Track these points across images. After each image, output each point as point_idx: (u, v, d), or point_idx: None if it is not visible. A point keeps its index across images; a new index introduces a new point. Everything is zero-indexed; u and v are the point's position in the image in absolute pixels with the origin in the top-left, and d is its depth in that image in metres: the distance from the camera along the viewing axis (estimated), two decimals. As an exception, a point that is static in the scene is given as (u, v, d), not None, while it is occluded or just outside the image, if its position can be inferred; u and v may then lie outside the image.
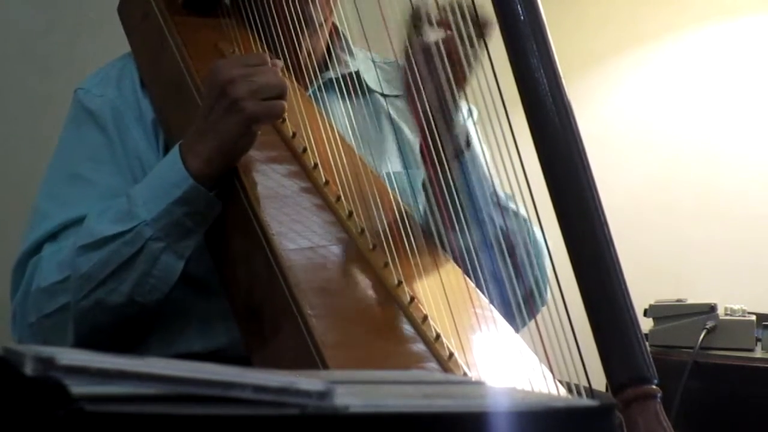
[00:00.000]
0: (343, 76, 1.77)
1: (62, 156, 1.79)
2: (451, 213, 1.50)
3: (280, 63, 1.63)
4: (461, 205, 1.50)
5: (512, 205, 1.64)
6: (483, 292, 1.51)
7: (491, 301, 1.50)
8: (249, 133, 1.59)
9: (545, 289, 1.57)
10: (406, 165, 1.80)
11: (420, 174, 1.82)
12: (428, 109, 1.54)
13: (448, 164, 1.54)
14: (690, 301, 2.50)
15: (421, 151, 1.63)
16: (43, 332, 1.68)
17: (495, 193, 1.63)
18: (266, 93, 1.58)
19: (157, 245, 1.62)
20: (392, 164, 1.79)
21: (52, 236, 1.70)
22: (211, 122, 1.59)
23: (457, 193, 1.51)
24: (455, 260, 1.55)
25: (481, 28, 1.47)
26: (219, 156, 1.60)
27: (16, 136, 2.67)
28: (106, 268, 1.63)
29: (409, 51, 1.58)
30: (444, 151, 1.55)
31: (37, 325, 1.68)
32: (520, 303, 1.48)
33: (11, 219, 2.43)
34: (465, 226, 1.49)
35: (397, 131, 1.84)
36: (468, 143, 1.64)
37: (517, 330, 1.51)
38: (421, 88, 1.54)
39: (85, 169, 1.74)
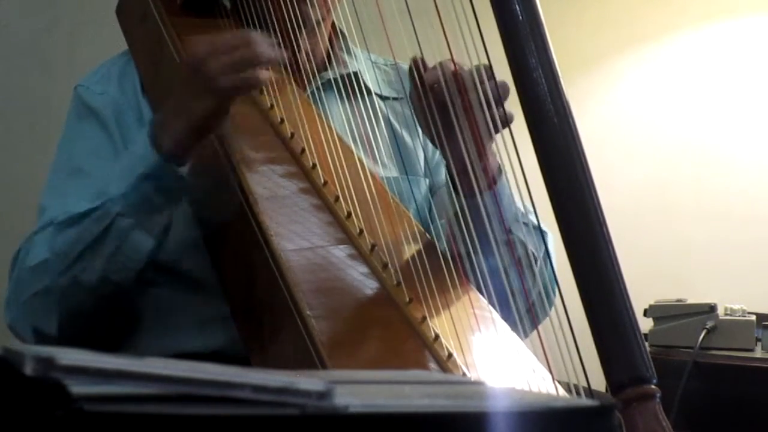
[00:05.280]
0: (342, 77, 1.77)
1: (64, 152, 1.80)
2: (483, 238, 1.50)
3: (268, 38, 1.60)
4: (492, 229, 1.49)
5: (532, 219, 1.63)
6: (495, 306, 1.50)
7: (501, 310, 1.50)
8: (221, 109, 1.59)
9: (554, 291, 1.57)
10: (406, 170, 1.79)
11: (417, 180, 1.82)
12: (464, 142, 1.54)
13: (481, 195, 1.54)
14: (690, 301, 2.50)
15: (453, 181, 1.63)
16: (33, 311, 1.69)
17: (520, 212, 1.63)
18: (239, 67, 1.56)
19: (126, 221, 1.62)
20: (389, 168, 1.79)
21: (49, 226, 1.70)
22: (183, 101, 1.59)
23: (488, 215, 1.50)
24: (477, 283, 1.53)
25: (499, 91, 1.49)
26: (190, 134, 1.60)
27: (16, 135, 2.67)
28: (78, 245, 1.63)
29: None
30: (479, 181, 1.55)
31: (28, 305, 1.69)
32: (533, 309, 1.48)
33: (11, 218, 2.44)
34: (493, 249, 1.48)
35: (395, 135, 1.84)
36: (500, 170, 1.64)
37: (523, 336, 1.50)
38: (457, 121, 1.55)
39: (87, 164, 1.75)
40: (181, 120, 1.59)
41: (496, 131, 1.51)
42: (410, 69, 1.61)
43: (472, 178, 1.54)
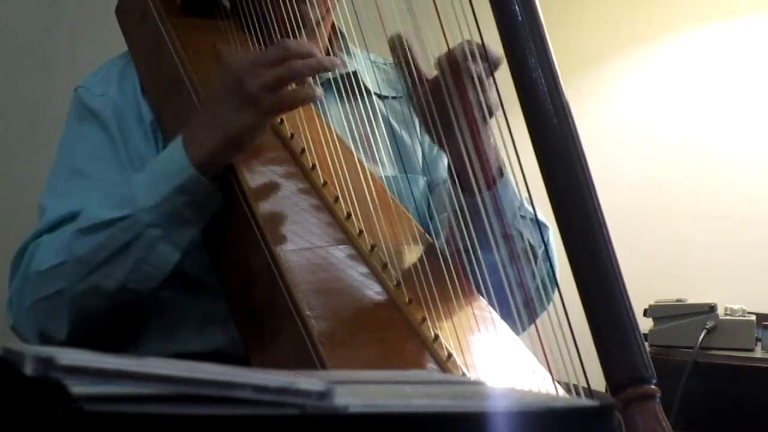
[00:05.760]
0: (341, 76, 1.77)
1: (64, 154, 1.79)
2: (486, 233, 1.48)
3: (311, 46, 1.59)
4: (491, 225, 1.48)
5: (531, 212, 1.62)
6: (493, 299, 1.50)
7: (500, 304, 1.49)
8: (261, 125, 1.58)
9: (552, 285, 1.57)
10: (405, 168, 1.79)
11: (415, 178, 1.82)
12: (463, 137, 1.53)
13: (481, 192, 1.52)
14: (690, 301, 2.50)
15: (454, 177, 1.62)
16: (40, 315, 1.68)
17: (522, 207, 1.63)
18: (284, 83, 1.56)
19: (154, 232, 1.61)
20: (387, 167, 1.79)
21: (53, 227, 1.70)
22: (221, 115, 1.58)
23: (488, 216, 1.49)
24: (476, 279, 1.52)
25: (491, 65, 1.47)
26: (225, 148, 1.59)
27: (16, 135, 2.67)
28: (102, 253, 1.62)
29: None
30: (478, 179, 1.54)
31: (34, 309, 1.68)
32: (531, 303, 1.47)
33: (11, 217, 2.44)
34: (494, 244, 1.47)
35: (394, 133, 1.84)
36: (501, 169, 1.63)
37: (519, 331, 1.50)
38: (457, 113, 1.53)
39: (87, 165, 1.74)
40: (217, 133, 1.58)
41: (491, 114, 1.50)
42: (396, 53, 1.58)
43: (471, 177, 1.53)
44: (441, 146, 1.61)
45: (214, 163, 1.60)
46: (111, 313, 1.68)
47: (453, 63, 1.53)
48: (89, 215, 1.65)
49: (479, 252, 1.48)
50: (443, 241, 1.62)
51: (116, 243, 1.62)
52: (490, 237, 1.46)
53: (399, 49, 1.58)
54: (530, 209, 1.60)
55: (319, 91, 1.59)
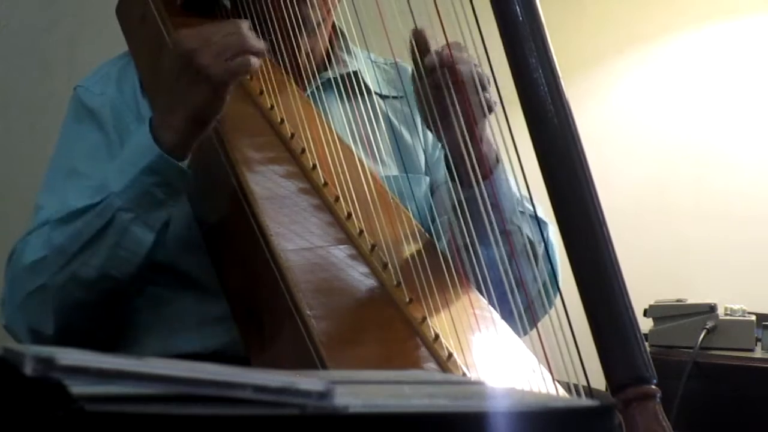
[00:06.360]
0: (342, 76, 1.77)
1: (61, 153, 1.80)
2: (486, 228, 1.48)
3: (247, 22, 1.61)
4: (490, 220, 1.48)
5: (530, 208, 1.63)
6: (494, 299, 1.50)
7: (501, 306, 1.49)
8: (219, 98, 1.58)
9: (555, 285, 1.57)
10: (406, 168, 1.79)
11: (417, 178, 1.82)
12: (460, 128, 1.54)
13: (479, 183, 1.52)
14: (690, 301, 2.50)
15: (454, 169, 1.62)
16: (29, 311, 1.68)
17: (521, 202, 1.63)
18: (229, 54, 1.56)
19: (127, 216, 1.61)
20: (389, 167, 1.79)
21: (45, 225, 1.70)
22: (178, 94, 1.58)
23: (490, 208, 1.49)
24: (477, 278, 1.52)
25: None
26: (192, 125, 1.59)
27: (16, 135, 2.67)
28: (77, 241, 1.63)
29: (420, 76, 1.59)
30: (477, 169, 1.54)
31: (24, 305, 1.69)
32: (533, 305, 1.47)
33: (11, 216, 2.44)
34: (493, 239, 1.47)
35: (395, 133, 1.84)
36: (497, 158, 1.64)
37: (522, 333, 1.50)
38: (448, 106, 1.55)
39: (83, 165, 1.75)
40: (179, 113, 1.59)
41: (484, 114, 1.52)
42: (411, 45, 1.61)
43: (468, 167, 1.53)
44: (439, 138, 1.61)
45: (184, 141, 1.60)
46: (96, 304, 1.67)
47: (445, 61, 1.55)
48: (66, 206, 1.65)
49: (479, 248, 1.48)
50: (445, 244, 1.62)
51: (91, 230, 1.62)
52: (488, 231, 1.46)
53: (414, 43, 1.59)
54: (530, 207, 1.61)
55: (256, 60, 1.58)
